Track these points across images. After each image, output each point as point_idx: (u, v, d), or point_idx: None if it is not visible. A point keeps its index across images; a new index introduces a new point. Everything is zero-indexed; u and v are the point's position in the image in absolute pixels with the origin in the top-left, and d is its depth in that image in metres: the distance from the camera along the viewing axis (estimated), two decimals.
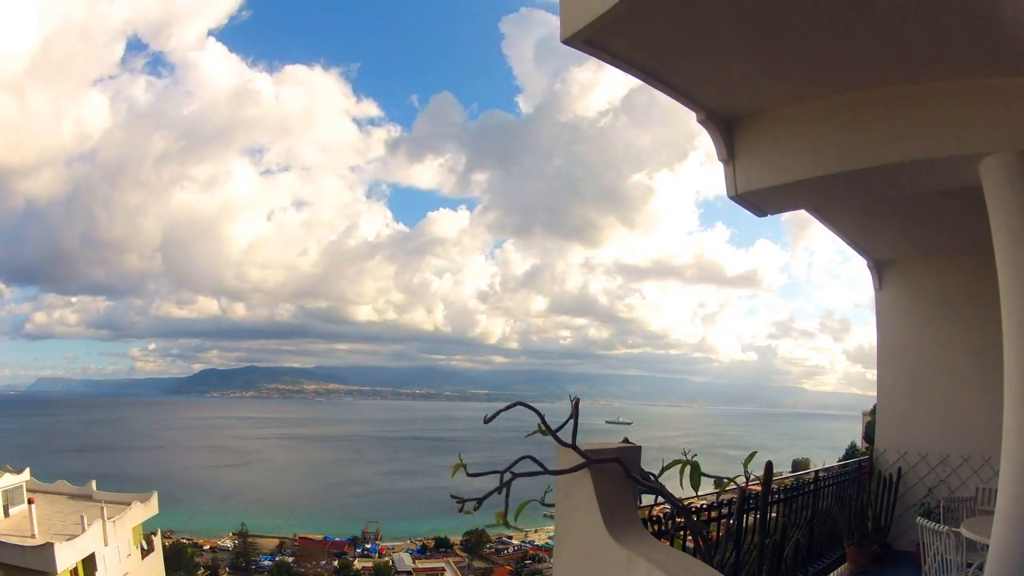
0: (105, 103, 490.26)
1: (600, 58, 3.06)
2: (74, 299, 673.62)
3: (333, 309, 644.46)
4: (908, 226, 5.92)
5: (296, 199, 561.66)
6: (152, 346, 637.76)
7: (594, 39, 2.93)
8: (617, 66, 3.17)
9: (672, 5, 2.79)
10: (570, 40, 2.91)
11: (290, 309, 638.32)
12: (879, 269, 6.90)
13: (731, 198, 4.06)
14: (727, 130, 3.96)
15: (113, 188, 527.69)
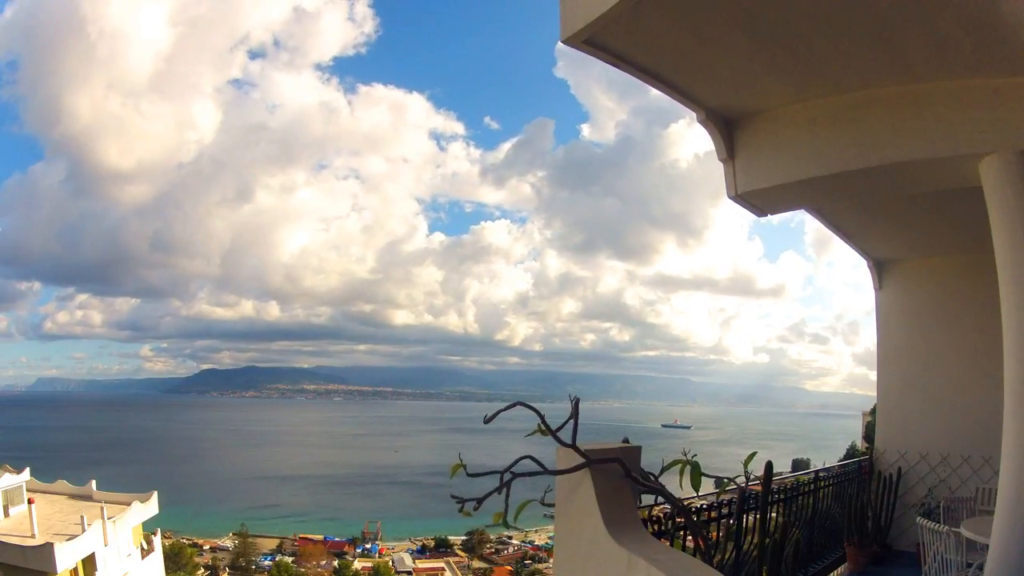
0: (211, 116, 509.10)
1: (600, 58, 3.06)
2: (107, 300, 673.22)
3: (375, 312, 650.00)
4: (908, 226, 5.91)
5: (366, 208, 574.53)
6: (165, 345, 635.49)
7: (594, 39, 2.93)
8: (617, 66, 3.17)
9: (672, 5, 2.79)
10: (570, 40, 2.91)
11: (327, 312, 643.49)
12: (879, 269, 6.89)
13: (731, 198, 4.06)
14: (727, 130, 3.96)
15: (192, 195, 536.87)
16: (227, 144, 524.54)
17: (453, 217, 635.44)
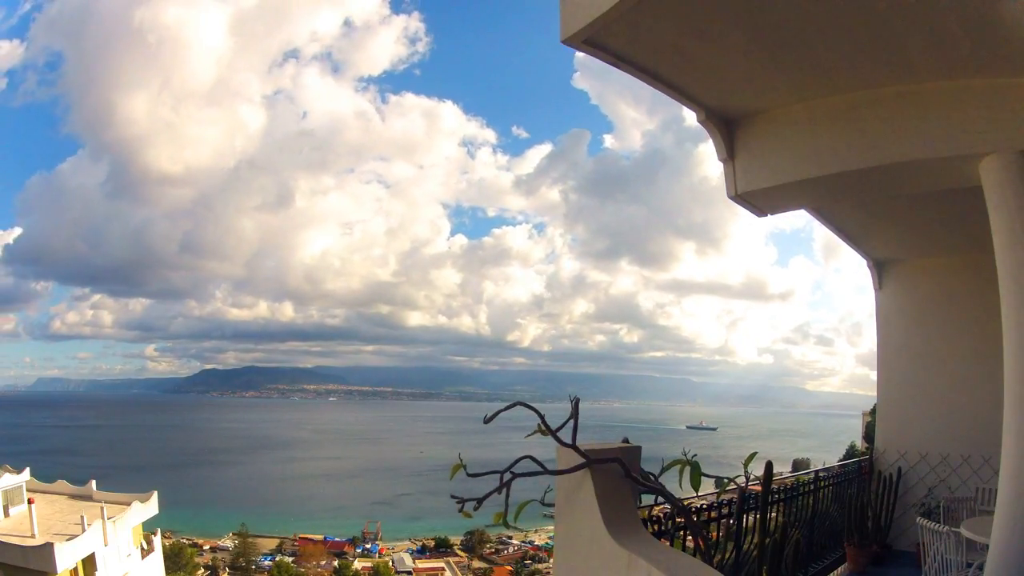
0: (256, 123, 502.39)
1: (600, 58, 3.06)
2: (121, 300, 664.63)
3: (391, 314, 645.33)
4: (908, 226, 5.92)
5: (392, 212, 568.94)
6: (170, 345, 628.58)
7: (594, 39, 2.94)
8: (617, 66, 3.18)
9: (672, 5, 2.80)
10: (569, 40, 2.92)
11: (342, 313, 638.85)
12: (879, 269, 6.90)
13: (731, 198, 4.07)
14: (727, 130, 3.96)
15: (226, 199, 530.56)
16: (267, 151, 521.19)
17: (476, 222, 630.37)
